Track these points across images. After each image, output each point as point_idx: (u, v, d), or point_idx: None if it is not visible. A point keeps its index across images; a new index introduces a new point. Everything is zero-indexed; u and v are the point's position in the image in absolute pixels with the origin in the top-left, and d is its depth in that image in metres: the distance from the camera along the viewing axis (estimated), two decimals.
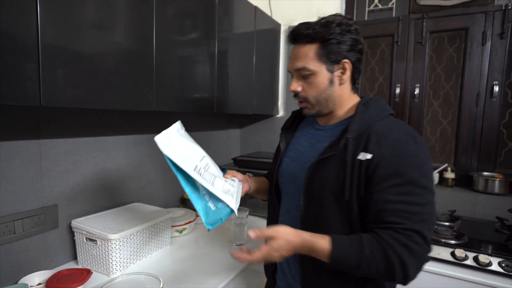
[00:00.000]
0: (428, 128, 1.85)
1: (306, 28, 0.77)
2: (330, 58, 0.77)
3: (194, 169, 0.78)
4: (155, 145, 1.59)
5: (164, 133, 0.79)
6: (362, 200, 0.71)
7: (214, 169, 0.86)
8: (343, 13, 1.95)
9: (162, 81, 1.09)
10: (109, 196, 1.28)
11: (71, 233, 1.13)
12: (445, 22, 1.74)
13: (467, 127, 1.73)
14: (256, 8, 1.68)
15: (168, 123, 1.47)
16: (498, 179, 1.58)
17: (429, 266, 1.21)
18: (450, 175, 1.74)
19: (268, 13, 1.98)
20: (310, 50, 0.78)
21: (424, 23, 1.76)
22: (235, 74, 1.56)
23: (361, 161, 0.71)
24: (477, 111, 1.70)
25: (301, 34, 0.78)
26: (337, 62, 0.78)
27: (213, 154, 1.93)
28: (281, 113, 2.08)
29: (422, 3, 1.77)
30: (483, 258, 1.13)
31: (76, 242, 1.11)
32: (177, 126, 0.85)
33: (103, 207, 1.25)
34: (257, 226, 1.59)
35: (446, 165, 1.76)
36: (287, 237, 0.70)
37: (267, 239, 0.71)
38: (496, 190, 1.58)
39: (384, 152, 0.69)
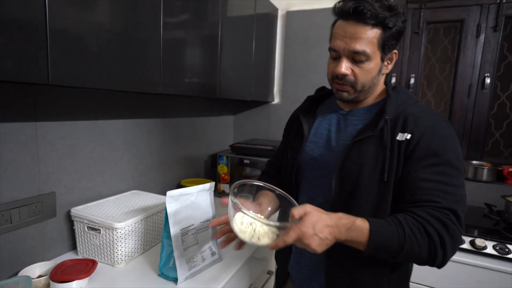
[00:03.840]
0: None
1: (371, 8, 0.69)
2: (388, 47, 0.75)
3: (181, 229, 0.96)
4: (151, 131, 1.56)
5: (176, 192, 0.95)
6: (398, 181, 0.72)
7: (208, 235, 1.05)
8: None
9: (168, 63, 1.05)
10: (107, 183, 1.23)
11: (70, 222, 1.08)
12: (442, 13, 1.79)
13: (458, 117, 1.82)
14: None
15: (167, 108, 1.45)
16: (486, 167, 1.69)
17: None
18: None
19: None
20: (372, 34, 0.72)
21: (422, 13, 1.81)
22: (236, 58, 1.53)
23: (399, 141, 0.72)
24: (468, 102, 1.79)
25: (365, 13, 0.70)
26: (389, 52, 0.77)
27: (209, 140, 1.91)
28: (276, 100, 2.08)
29: None
30: (479, 242, 1.21)
31: (76, 231, 1.07)
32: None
33: (101, 195, 1.21)
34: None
35: None
36: (318, 211, 0.66)
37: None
38: (485, 178, 1.68)
39: (423, 132, 0.70)
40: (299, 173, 0.90)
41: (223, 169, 1.74)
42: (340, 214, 0.67)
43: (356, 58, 0.74)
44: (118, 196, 1.24)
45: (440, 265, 0.66)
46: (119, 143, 1.27)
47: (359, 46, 0.72)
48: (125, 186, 1.33)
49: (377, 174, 0.73)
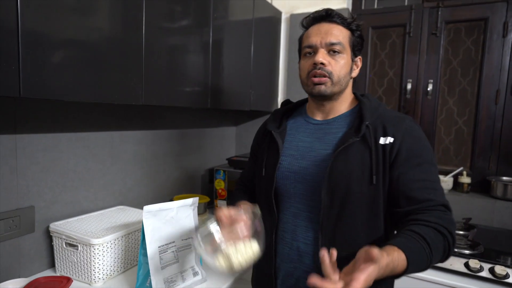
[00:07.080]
0: (442, 127, 1.89)
1: (339, 14, 0.89)
2: (356, 48, 0.91)
3: (159, 246, 1.00)
4: (141, 143, 1.61)
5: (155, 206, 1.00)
6: (389, 185, 0.82)
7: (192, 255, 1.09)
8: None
9: (152, 72, 1.11)
10: (91, 198, 1.30)
11: (49, 238, 1.15)
12: (462, 12, 1.77)
13: (485, 127, 1.77)
14: None
15: (156, 118, 1.51)
16: None
17: (441, 278, 1.24)
18: (465, 179, 1.77)
19: None
20: (343, 32, 0.88)
21: (439, 13, 1.80)
22: (231, 65, 1.58)
23: (383, 145, 0.82)
24: (496, 110, 1.74)
25: (334, 15, 0.89)
26: (356, 55, 0.92)
27: (207, 153, 1.97)
28: None
29: None
30: (499, 269, 1.16)
31: (55, 247, 1.13)
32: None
33: (84, 210, 1.27)
34: None
35: (461, 168, 1.79)
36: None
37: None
38: None
39: (403, 135, 0.83)
40: (278, 189, 0.94)
41: (220, 184, 1.78)
42: (386, 261, 0.65)
43: (333, 48, 0.87)
44: (102, 211, 1.31)
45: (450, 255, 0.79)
46: (105, 156, 1.35)
47: (335, 38, 0.87)
48: (112, 202, 1.40)
49: (365, 178, 0.82)
